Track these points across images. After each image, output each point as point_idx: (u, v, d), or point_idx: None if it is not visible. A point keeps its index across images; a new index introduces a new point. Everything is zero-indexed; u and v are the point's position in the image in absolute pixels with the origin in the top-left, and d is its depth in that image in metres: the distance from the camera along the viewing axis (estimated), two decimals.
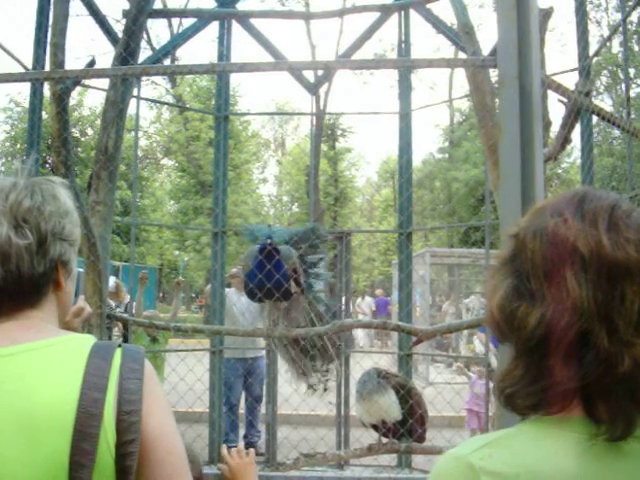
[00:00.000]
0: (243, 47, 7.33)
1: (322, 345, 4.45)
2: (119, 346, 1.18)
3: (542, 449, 0.86)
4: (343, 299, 5.82)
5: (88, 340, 1.18)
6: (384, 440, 4.27)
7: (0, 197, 1.17)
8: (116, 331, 6.17)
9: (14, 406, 1.05)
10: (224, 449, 2.01)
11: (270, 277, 4.06)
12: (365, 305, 19.74)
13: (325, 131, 25.45)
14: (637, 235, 0.87)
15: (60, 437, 1.04)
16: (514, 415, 0.94)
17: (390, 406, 4.09)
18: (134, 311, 5.95)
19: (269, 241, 4.03)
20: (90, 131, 23.79)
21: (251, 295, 4.19)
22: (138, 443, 1.09)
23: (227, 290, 6.60)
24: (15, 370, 1.09)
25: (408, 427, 4.17)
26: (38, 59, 4.87)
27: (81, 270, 1.85)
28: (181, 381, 4.72)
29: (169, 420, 1.17)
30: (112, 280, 7.09)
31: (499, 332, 0.95)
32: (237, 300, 6.81)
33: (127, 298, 6.98)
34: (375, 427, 4.29)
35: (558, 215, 0.91)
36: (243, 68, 2.82)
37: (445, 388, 6.36)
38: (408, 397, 4.16)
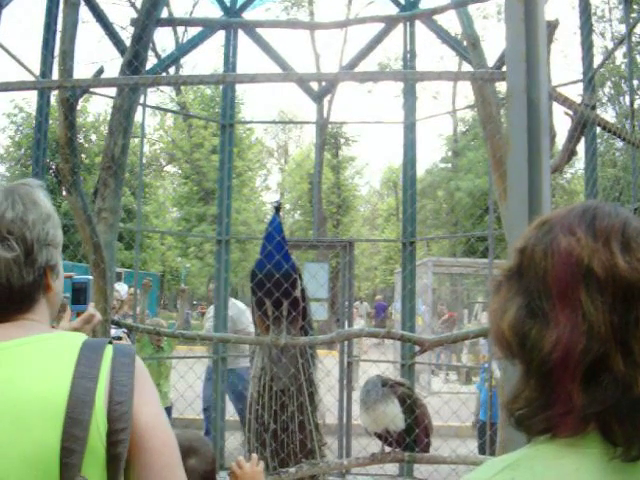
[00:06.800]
0: (246, 53, 7.35)
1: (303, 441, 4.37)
2: (110, 343, 1.21)
3: (562, 467, 0.85)
4: (346, 306, 5.83)
5: (80, 337, 1.21)
6: (387, 449, 4.26)
7: None
8: None
9: (5, 394, 1.08)
10: (234, 465, 2.02)
11: (279, 267, 4.09)
12: (362, 308, 20.00)
13: (329, 139, 25.45)
14: None
15: (51, 422, 1.06)
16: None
17: (396, 416, 4.07)
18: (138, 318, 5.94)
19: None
20: (94, 137, 23.81)
21: (259, 286, 4.17)
22: (129, 431, 1.12)
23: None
24: (8, 361, 1.12)
25: (413, 437, 4.17)
26: (46, 65, 4.90)
27: (90, 278, 1.89)
28: (184, 389, 4.73)
29: (162, 414, 1.20)
30: (124, 289, 7.08)
31: (509, 351, 0.93)
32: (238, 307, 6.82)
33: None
34: (379, 436, 4.27)
35: (570, 233, 0.88)
36: (254, 79, 2.84)
37: (452, 398, 6.36)
38: (414, 407, 4.15)
